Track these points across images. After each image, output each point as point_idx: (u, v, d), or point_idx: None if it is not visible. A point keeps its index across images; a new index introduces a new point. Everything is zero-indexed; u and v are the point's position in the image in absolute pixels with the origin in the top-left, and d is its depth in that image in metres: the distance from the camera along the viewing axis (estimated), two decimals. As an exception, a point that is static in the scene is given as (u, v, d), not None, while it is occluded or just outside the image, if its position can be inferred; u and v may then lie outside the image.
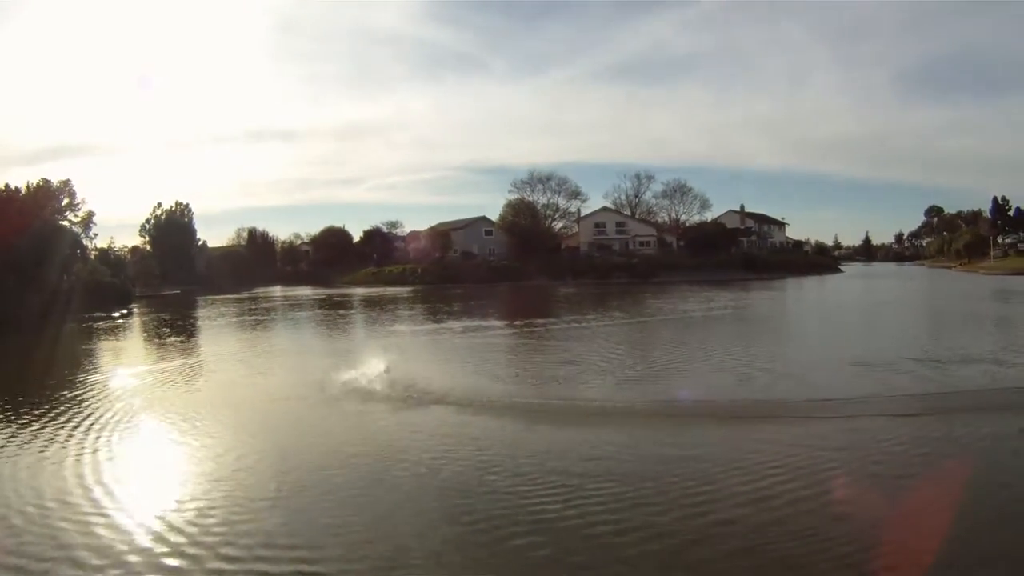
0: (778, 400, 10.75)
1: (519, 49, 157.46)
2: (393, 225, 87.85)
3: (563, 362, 15.55)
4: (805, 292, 46.56)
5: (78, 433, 9.70)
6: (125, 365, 17.50)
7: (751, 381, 12.47)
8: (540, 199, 76.24)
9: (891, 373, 12.57)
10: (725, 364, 14.62)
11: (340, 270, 74.88)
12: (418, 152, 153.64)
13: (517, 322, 25.84)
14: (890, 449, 7.88)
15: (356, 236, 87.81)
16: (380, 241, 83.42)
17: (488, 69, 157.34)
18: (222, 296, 51.96)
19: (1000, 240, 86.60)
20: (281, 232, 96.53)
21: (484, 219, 77.85)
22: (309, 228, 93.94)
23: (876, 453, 7.73)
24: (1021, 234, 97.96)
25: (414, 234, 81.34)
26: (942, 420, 9.19)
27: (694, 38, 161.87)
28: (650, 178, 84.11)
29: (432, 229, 78.02)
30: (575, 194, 77.82)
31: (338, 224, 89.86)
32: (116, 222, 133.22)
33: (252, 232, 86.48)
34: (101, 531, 6.04)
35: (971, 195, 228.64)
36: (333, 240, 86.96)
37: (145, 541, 5.77)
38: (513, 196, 76.22)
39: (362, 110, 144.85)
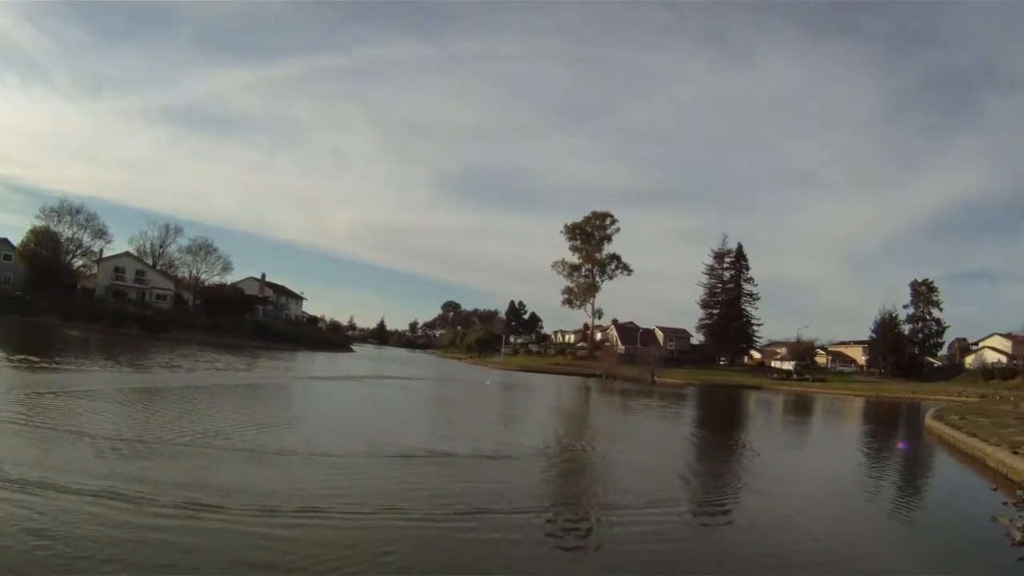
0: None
1: (86, 66, 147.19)
2: (-93, 233, 73.06)
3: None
4: (314, 367, 48.20)
5: None
6: None
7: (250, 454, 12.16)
8: (66, 231, 71.38)
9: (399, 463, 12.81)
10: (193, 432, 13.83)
11: None
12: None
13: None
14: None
15: None
16: None
17: (50, 79, 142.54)
18: None
19: (512, 339, 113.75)
20: None
21: (6, 242, 71.15)
22: None
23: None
24: (532, 335, 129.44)
25: (-75, 248, 68.20)
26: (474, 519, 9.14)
27: (254, 99, 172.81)
28: (179, 230, 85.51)
29: (-51, 244, 66.97)
30: (101, 233, 74.58)
31: None
32: None
33: None
34: None
35: (490, 296, 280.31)
36: None
37: None
38: (40, 223, 69.74)
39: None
